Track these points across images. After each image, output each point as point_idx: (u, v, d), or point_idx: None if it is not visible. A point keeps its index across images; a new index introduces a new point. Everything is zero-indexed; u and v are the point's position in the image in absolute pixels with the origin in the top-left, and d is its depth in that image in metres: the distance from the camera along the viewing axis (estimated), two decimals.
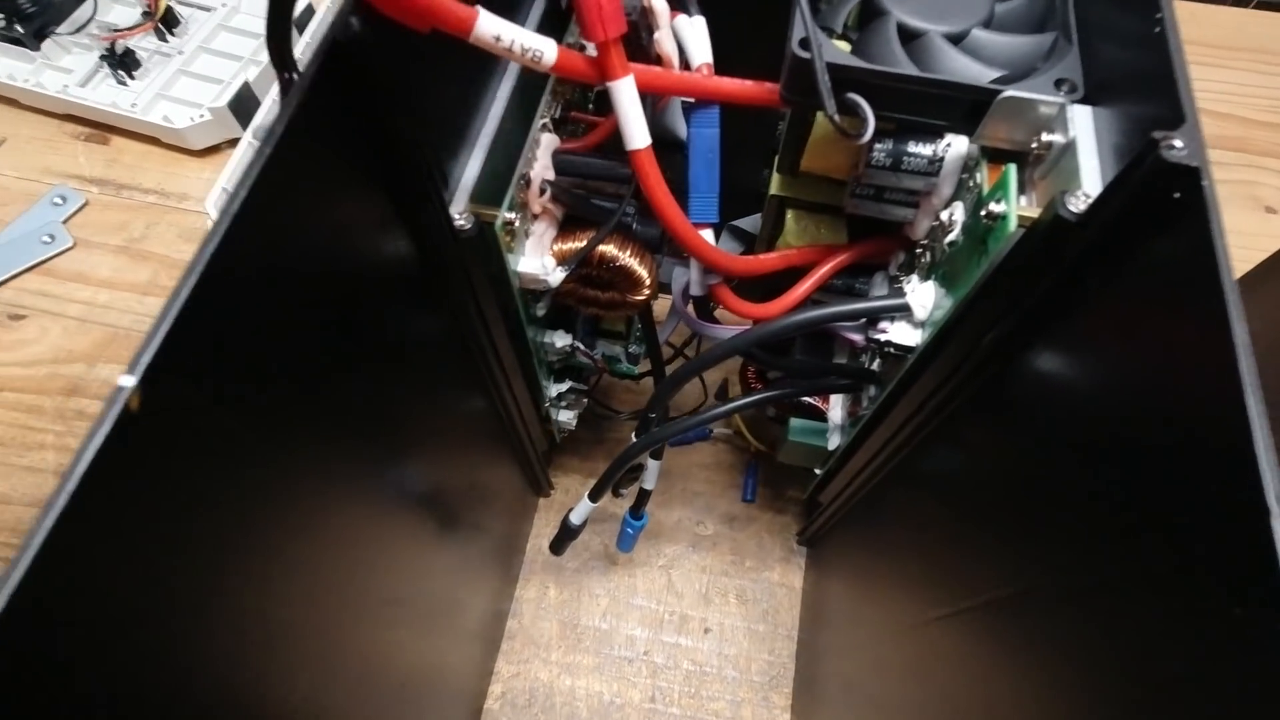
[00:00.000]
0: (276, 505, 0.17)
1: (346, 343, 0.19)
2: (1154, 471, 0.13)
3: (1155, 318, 0.14)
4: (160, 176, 0.55)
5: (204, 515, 0.14)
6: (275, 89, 0.52)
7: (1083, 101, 0.18)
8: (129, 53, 0.56)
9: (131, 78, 0.56)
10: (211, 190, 0.49)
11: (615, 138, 0.21)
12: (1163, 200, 0.14)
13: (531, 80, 0.23)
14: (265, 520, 0.16)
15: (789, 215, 0.28)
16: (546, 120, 0.24)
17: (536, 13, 0.24)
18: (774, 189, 0.27)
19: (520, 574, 0.41)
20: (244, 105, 0.53)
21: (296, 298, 0.16)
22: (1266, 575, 0.10)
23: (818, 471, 0.34)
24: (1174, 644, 0.12)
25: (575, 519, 0.33)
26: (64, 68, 0.56)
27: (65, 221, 0.52)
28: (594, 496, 0.32)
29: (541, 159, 0.24)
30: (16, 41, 0.55)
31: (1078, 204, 0.16)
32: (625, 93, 0.18)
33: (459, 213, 0.21)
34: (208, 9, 0.59)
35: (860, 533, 0.35)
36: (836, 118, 0.17)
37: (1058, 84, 0.18)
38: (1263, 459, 0.11)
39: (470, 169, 0.22)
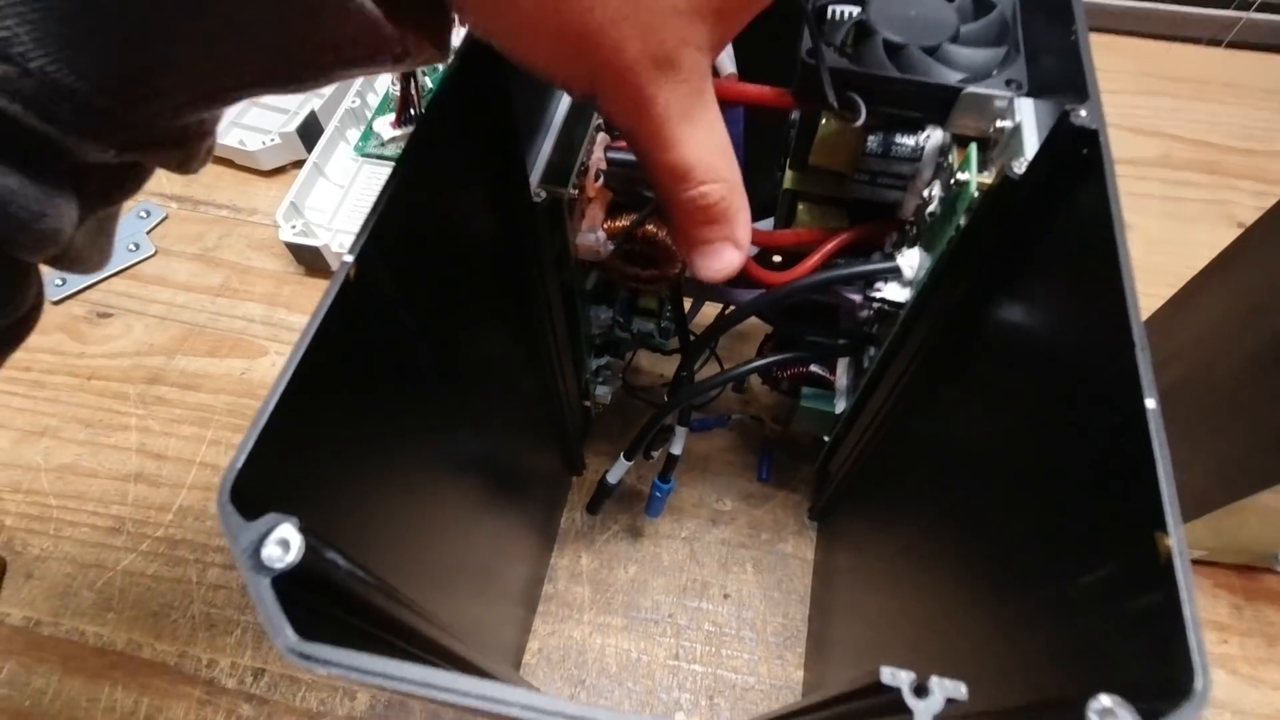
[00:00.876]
0: (409, 395, 0.22)
1: (455, 290, 0.24)
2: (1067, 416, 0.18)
3: (1070, 261, 0.19)
4: (232, 194, 0.61)
5: (377, 379, 0.19)
6: (336, 117, 0.59)
7: (1027, 96, 0.23)
8: None
9: None
10: (280, 206, 0.55)
11: None
12: (1075, 158, 0.19)
13: None
14: (406, 408, 0.21)
15: (800, 206, 0.33)
16: (599, 122, 0.29)
17: None
18: (786, 184, 0.32)
19: (556, 544, 0.46)
20: (309, 131, 0.60)
21: (430, 241, 0.21)
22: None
23: (826, 439, 0.39)
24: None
25: (612, 478, 0.38)
26: None
27: (149, 232, 0.59)
28: (629, 455, 0.37)
29: (597, 152, 0.29)
30: None
31: (1020, 167, 0.21)
32: None
33: (536, 187, 0.26)
34: None
35: (861, 503, 0.39)
36: (836, 106, 0.22)
37: (1008, 83, 0.23)
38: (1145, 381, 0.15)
39: (542, 154, 0.27)
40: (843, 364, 0.37)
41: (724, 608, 0.44)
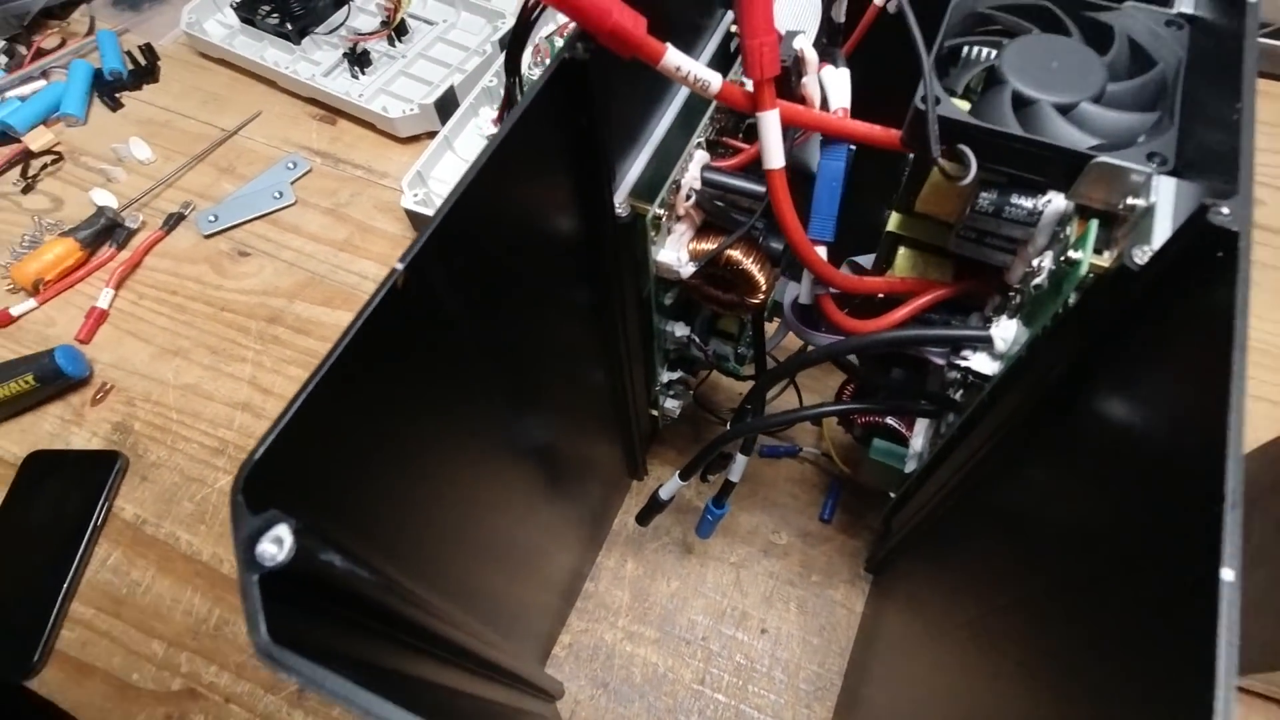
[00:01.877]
0: (455, 396, 0.22)
1: (524, 288, 0.25)
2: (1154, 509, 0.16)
3: (1181, 369, 0.17)
4: (369, 156, 0.65)
5: (422, 383, 0.19)
6: (472, 94, 0.61)
7: (1172, 174, 0.20)
8: (365, 53, 0.67)
9: (363, 73, 0.67)
10: (407, 172, 0.58)
11: (757, 164, 0.25)
12: (1208, 258, 0.16)
13: (695, 105, 0.28)
14: (448, 406, 0.22)
15: (900, 251, 0.31)
16: (701, 140, 0.29)
17: (709, 51, 0.30)
18: (890, 226, 0.30)
19: (605, 543, 0.46)
20: (447, 105, 0.63)
21: (502, 243, 0.22)
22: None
23: (892, 495, 0.36)
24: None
25: (664, 494, 0.38)
26: (314, 60, 0.68)
27: (293, 183, 0.63)
28: (684, 476, 0.36)
29: (692, 170, 0.28)
30: (285, 36, 0.68)
31: (1142, 257, 0.18)
32: (770, 122, 0.22)
33: (620, 202, 0.26)
34: (432, 23, 0.69)
35: (923, 565, 0.36)
36: (940, 160, 0.21)
37: (1150, 156, 0.20)
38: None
39: (634, 169, 0.27)
40: (922, 423, 0.35)
41: (760, 642, 0.43)
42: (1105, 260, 0.20)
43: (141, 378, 0.54)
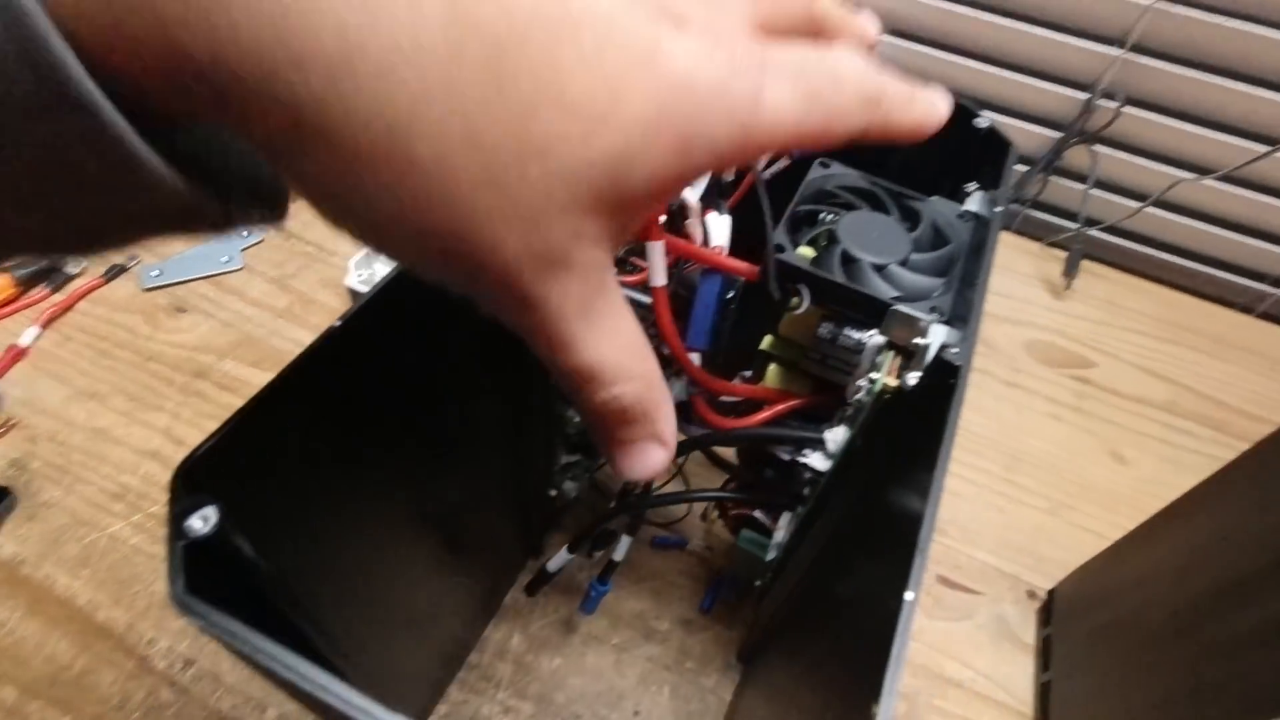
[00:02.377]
0: (360, 477, 0.26)
1: (443, 370, 0.29)
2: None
3: (921, 465, 0.22)
4: (322, 234, 0.69)
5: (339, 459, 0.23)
6: None
7: (945, 323, 0.27)
8: None
9: None
10: (357, 253, 0.63)
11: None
12: (944, 384, 0.22)
13: None
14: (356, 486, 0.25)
15: (771, 367, 0.37)
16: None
17: None
18: (763, 345, 0.36)
19: (494, 617, 0.48)
20: None
21: (426, 325, 0.26)
22: None
23: (757, 584, 0.41)
24: None
25: (552, 566, 0.41)
26: None
27: (244, 250, 0.67)
28: (572, 549, 0.40)
29: None
30: None
31: (912, 380, 0.24)
32: (655, 250, 0.28)
33: None
34: None
35: (782, 655, 0.40)
36: (777, 293, 0.27)
37: (931, 309, 0.27)
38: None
39: None
40: (788, 519, 0.40)
41: None
42: (895, 382, 0.26)
43: (50, 417, 0.54)
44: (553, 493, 0.44)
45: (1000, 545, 0.55)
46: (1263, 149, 0.63)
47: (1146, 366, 0.68)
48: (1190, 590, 0.38)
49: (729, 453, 0.44)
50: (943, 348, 0.22)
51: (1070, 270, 0.71)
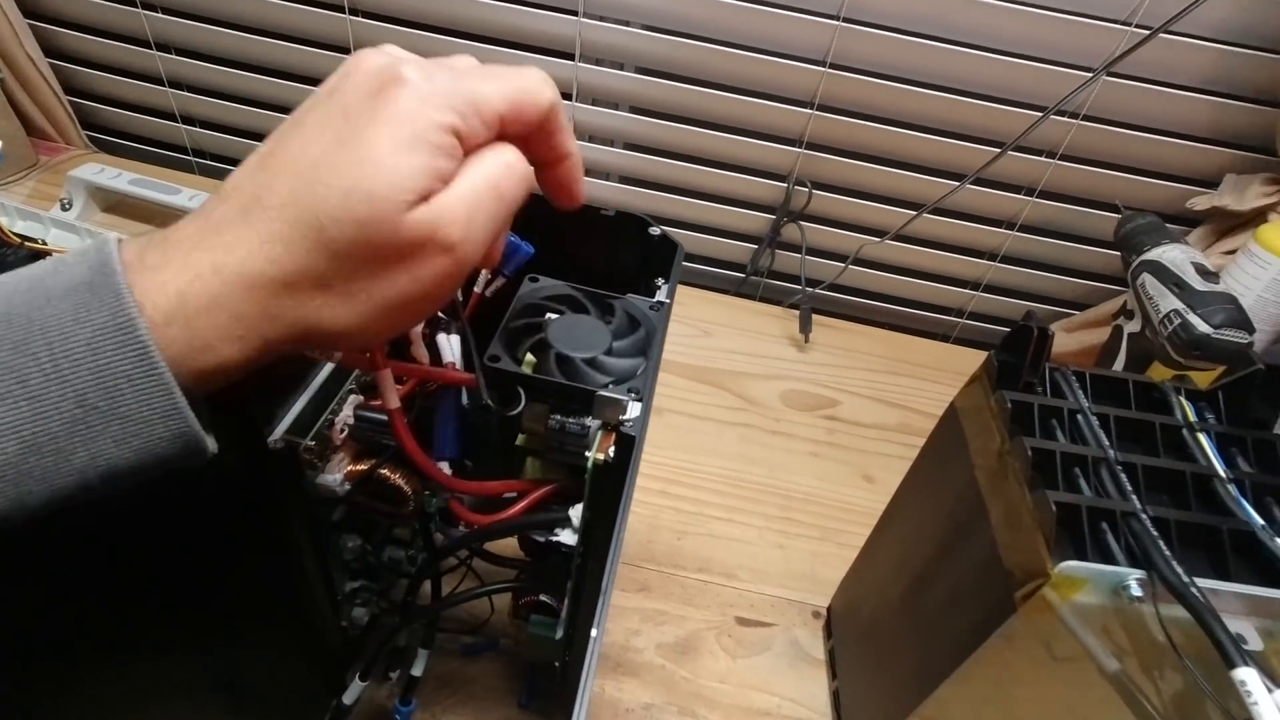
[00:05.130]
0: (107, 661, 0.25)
1: (183, 533, 0.29)
2: None
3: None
4: None
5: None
6: None
7: (639, 400, 0.32)
8: None
9: None
10: None
11: (410, 398, 0.34)
12: (625, 452, 0.27)
13: None
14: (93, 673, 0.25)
15: (529, 460, 0.41)
16: (354, 385, 0.37)
17: None
18: (518, 443, 0.40)
19: None
20: None
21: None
22: None
23: (557, 665, 0.43)
24: None
25: (347, 699, 0.40)
26: None
27: None
28: (363, 676, 0.39)
29: (346, 410, 0.36)
30: None
31: (612, 452, 0.29)
32: (384, 378, 0.31)
33: (275, 438, 0.32)
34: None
35: None
36: (491, 400, 0.31)
37: (629, 390, 0.32)
38: None
39: (293, 411, 0.34)
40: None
41: None
42: (603, 456, 0.31)
43: None
44: (344, 623, 0.44)
45: (786, 577, 0.62)
46: (912, 214, 0.80)
47: (879, 397, 0.81)
48: (903, 579, 0.46)
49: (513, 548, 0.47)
50: (619, 422, 0.27)
51: (805, 326, 0.83)
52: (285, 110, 0.88)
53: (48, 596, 0.23)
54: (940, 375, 0.84)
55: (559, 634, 0.41)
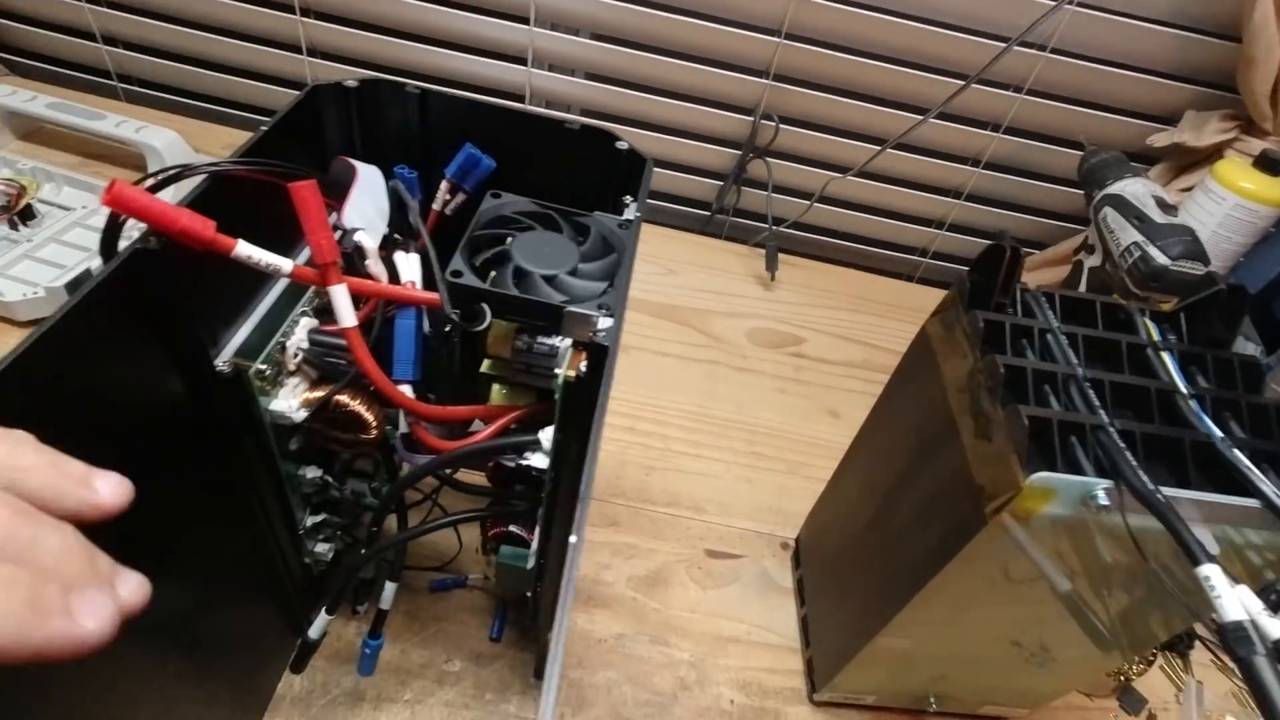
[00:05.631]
0: None
1: (131, 454, 0.27)
2: None
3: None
4: None
5: None
6: None
7: (609, 316, 0.31)
8: None
9: None
10: None
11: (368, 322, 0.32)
12: (599, 364, 0.26)
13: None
14: None
15: (494, 386, 0.39)
16: (308, 309, 0.35)
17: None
18: (483, 368, 0.38)
19: (268, 709, 0.44)
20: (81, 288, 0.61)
21: (94, 408, 0.24)
22: None
23: (529, 595, 0.42)
24: None
25: (313, 633, 0.39)
26: None
27: None
28: (330, 610, 0.38)
29: (299, 333, 0.34)
30: None
31: (583, 368, 0.28)
32: (338, 293, 0.29)
33: (222, 362, 0.30)
34: (68, 209, 0.68)
35: None
36: (454, 314, 0.29)
37: (600, 306, 0.31)
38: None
39: (242, 333, 0.32)
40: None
41: None
42: (573, 373, 0.30)
43: None
44: (306, 560, 0.42)
45: (754, 510, 0.62)
46: (875, 149, 0.79)
47: (843, 334, 0.81)
48: (869, 506, 0.46)
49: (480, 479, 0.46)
50: (592, 334, 0.26)
51: (771, 265, 0.82)
52: (220, 31, 0.82)
53: None
54: (903, 314, 0.85)
55: (530, 564, 0.40)
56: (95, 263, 0.62)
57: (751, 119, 0.81)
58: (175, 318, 0.28)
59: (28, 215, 0.64)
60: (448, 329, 0.40)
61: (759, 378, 0.74)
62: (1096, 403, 0.34)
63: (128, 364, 0.27)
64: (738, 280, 0.84)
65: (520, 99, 0.81)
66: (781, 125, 0.80)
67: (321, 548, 0.43)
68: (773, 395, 0.73)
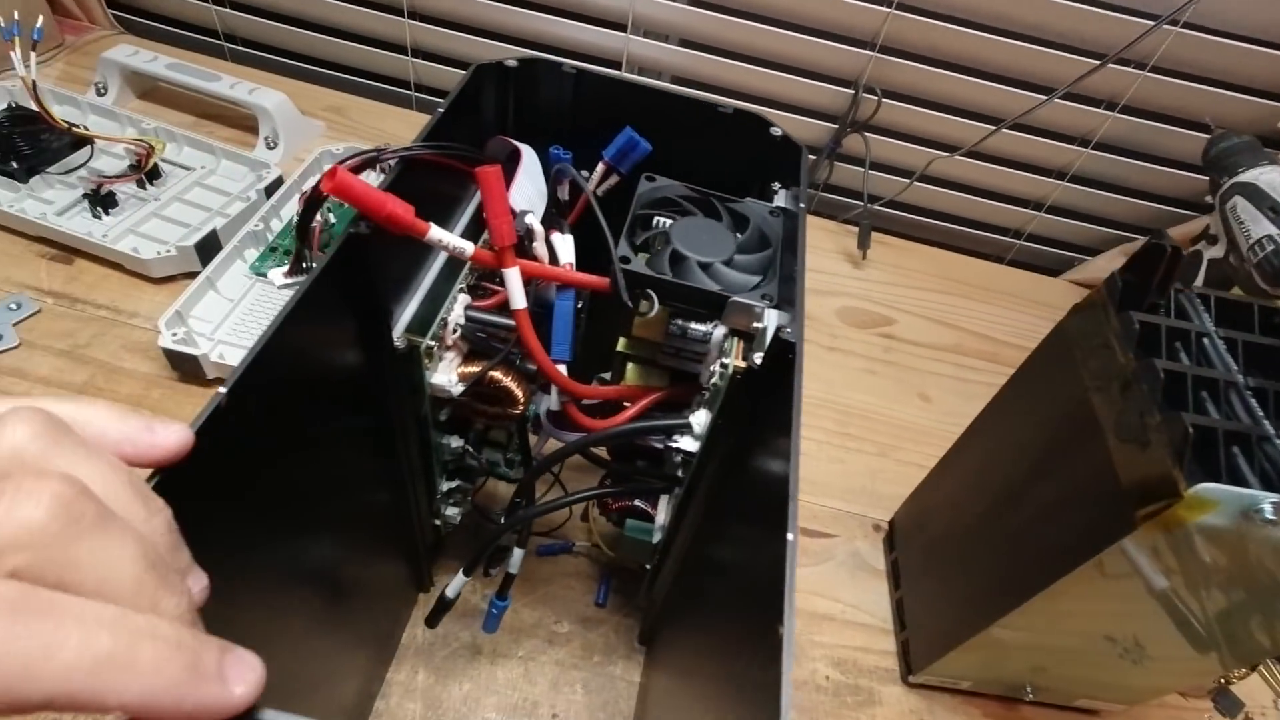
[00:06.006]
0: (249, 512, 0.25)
1: (314, 417, 0.29)
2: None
3: (779, 430, 0.26)
4: (115, 296, 0.63)
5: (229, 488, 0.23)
6: (237, 237, 0.63)
7: (775, 307, 0.31)
8: (110, 194, 0.66)
9: (106, 214, 0.65)
10: (165, 312, 0.57)
11: (508, 304, 0.32)
12: (784, 358, 0.26)
13: (457, 260, 0.36)
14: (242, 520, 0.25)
15: (629, 366, 0.40)
16: (463, 286, 0.36)
17: (468, 215, 0.37)
18: (619, 348, 0.39)
19: (394, 659, 0.47)
20: (208, 246, 0.64)
21: (299, 376, 0.26)
22: None
23: (647, 568, 0.44)
24: None
25: (450, 592, 0.41)
26: (45, 199, 0.65)
27: (15, 325, 0.59)
28: (468, 571, 0.40)
29: (457, 310, 0.35)
30: (10, 175, 0.64)
31: (759, 359, 0.28)
32: (512, 276, 0.30)
33: (398, 337, 0.32)
34: (189, 168, 0.70)
35: (678, 628, 0.44)
36: (627, 300, 0.30)
37: (762, 296, 0.31)
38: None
39: (409, 310, 0.33)
40: (666, 501, 0.43)
41: None
42: (744, 364, 0.30)
43: None
44: (436, 522, 0.44)
45: (845, 491, 0.63)
46: (989, 129, 0.76)
47: (934, 317, 0.79)
48: (985, 497, 0.46)
49: (601, 452, 0.47)
50: (778, 329, 0.26)
51: (863, 243, 0.81)
52: None
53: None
54: (992, 297, 0.83)
55: (655, 539, 0.41)
56: (218, 223, 0.64)
57: (851, 91, 0.79)
58: (370, 297, 0.29)
59: (154, 174, 0.67)
60: (579, 307, 0.41)
61: (849, 357, 0.74)
62: (1260, 412, 0.33)
63: (328, 336, 0.28)
64: (828, 257, 0.83)
65: (617, 65, 0.80)
66: (884, 99, 0.77)
67: (451, 511, 0.44)
68: (863, 376, 0.72)
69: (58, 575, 0.13)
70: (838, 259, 0.83)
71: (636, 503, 0.42)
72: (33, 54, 0.64)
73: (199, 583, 0.17)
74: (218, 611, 0.25)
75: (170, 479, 0.19)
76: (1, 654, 0.12)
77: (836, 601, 0.55)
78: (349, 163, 0.28)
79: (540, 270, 0.32)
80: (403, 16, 0.82)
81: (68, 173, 0.67)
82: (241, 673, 0.15)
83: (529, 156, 0.35)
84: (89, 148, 0.69)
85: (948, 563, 0.50)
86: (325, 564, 0.35)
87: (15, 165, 0.64)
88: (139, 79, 0.77)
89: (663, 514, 0.42)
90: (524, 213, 0.32)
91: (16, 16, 0.64)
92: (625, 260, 0.31)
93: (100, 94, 0.75)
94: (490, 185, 0.28)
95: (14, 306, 0.60)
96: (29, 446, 0.14)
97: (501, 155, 0.36)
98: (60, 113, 0.68)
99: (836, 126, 0.81)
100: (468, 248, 0.29)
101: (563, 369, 0.34)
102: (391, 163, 0.29)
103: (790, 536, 0.21)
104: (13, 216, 0.63)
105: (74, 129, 0.67)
